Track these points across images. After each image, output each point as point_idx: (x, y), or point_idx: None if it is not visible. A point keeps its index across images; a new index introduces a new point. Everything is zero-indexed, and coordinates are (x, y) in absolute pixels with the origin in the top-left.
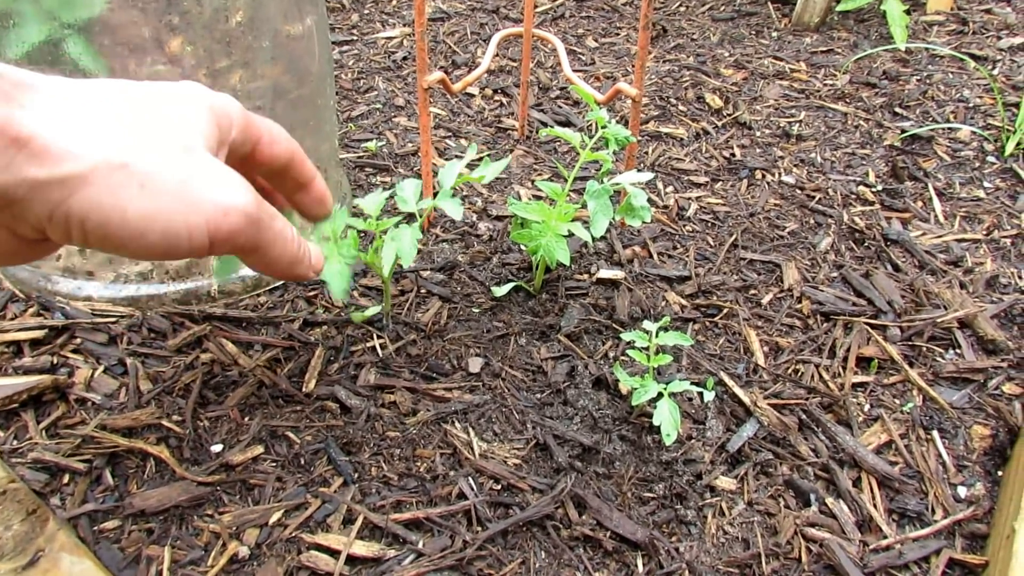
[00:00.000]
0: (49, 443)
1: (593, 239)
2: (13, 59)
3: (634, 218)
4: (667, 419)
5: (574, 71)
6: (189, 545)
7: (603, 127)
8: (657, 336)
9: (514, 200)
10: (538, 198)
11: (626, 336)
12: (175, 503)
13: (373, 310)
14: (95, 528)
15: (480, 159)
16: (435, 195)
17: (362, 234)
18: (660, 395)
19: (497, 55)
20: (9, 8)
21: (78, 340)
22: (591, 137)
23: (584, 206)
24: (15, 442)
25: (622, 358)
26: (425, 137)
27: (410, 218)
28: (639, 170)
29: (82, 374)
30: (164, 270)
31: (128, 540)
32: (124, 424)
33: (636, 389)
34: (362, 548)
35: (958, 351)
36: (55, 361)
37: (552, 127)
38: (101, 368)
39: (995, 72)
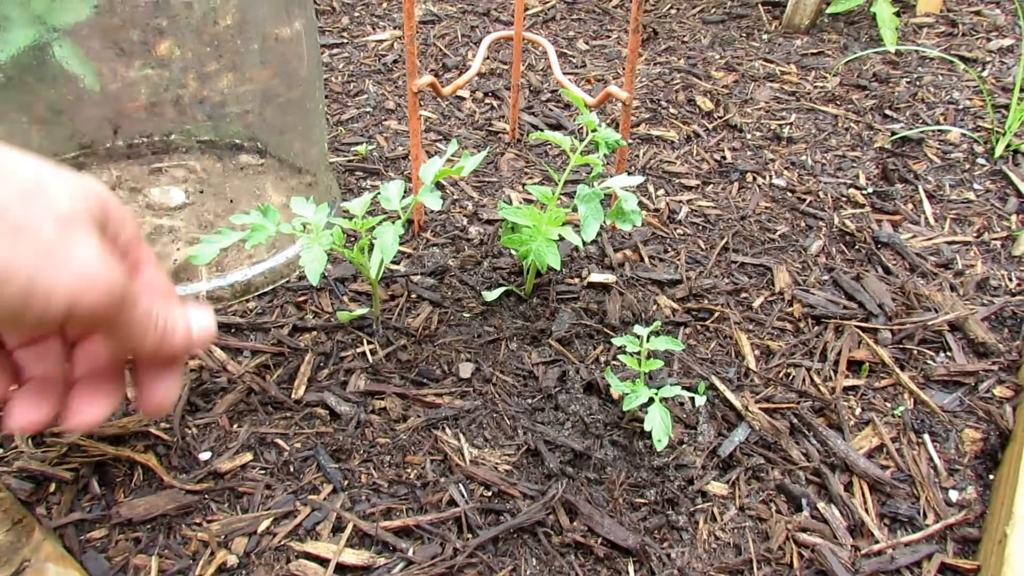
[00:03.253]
0: (35, 452)
1: (584, 243)
2: None
3: (624, 222)
4: (658, 424)
5: (565, 74)
6: (177, 554)
7: (593, 131)
8: (648, 340)
9: (504, 204)
10: (529, 202)
11: (617, 341)
12: (163, 512)
13: (361, 310)
14: (82, 537)
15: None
16: None
17: (351, 239)
18: (651, 400)
19: (487, 58)
20: None
21: None
22: (581, 141)
23: (575, 210)
24: (0, 451)
25: (613, 363)
26: (415, 140)
27: (395, 217)
28: (630, 173)
29: None
30: None
31: (115, 549)
32: (111, 432)
33: (627, 394)
34: (352, 556)
35: (949, 354)
36: None
37: (542, 131)
38: None
39: (984, 74)
